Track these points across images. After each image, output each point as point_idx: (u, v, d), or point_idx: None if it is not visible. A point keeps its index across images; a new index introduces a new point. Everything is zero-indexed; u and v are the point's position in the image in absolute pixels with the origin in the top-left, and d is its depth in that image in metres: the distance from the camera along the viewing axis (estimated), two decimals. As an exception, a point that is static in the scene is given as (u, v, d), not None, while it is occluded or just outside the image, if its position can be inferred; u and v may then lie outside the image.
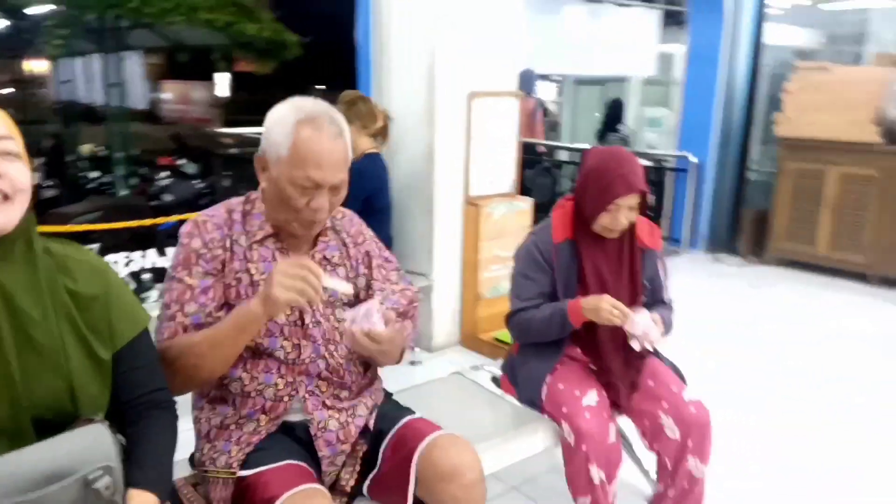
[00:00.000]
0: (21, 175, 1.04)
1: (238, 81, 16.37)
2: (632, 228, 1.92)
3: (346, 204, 1.53)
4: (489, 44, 3.24)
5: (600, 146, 2.28)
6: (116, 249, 3.19)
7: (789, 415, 2.93)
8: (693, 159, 5.44)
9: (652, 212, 6.17)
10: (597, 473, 1.77)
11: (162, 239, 3.31)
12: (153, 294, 3.24)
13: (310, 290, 1.24)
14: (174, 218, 3.50)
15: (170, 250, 3.36)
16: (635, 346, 1.84)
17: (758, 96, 5.43)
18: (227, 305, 1.41)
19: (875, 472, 2.52)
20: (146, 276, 3.23)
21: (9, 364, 1.03)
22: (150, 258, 3.26)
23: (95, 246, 3.19)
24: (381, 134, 2.94)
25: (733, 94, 5.45)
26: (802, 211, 5.02)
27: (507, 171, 3.42)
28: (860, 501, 2.35)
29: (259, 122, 1.46)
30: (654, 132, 11.28)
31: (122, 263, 3.18)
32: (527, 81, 6.11)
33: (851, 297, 4.55)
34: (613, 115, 7.47)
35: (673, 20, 11.00)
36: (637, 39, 9.89)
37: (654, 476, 2.11)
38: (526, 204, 3.43)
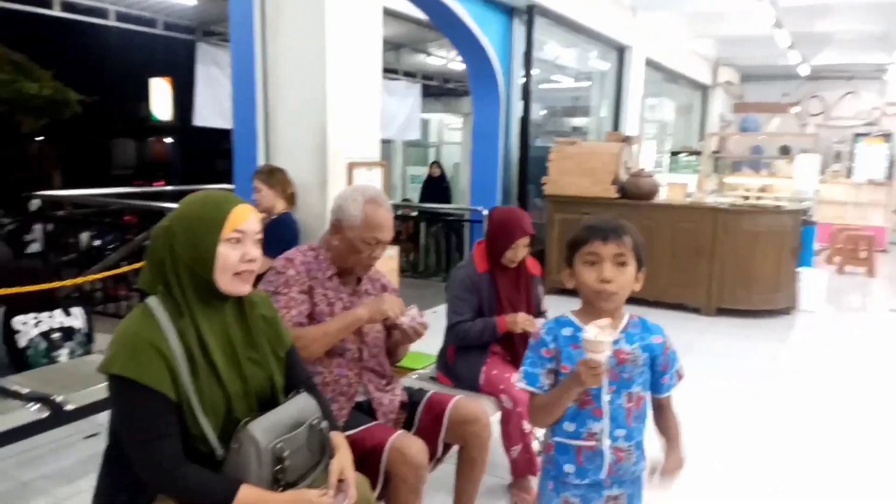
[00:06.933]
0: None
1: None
2: (524, 261, 2.86)
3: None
4: (360, 123, 4.04)
5: (500, 206, 3.23)
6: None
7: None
8: (484, 212, 6.71)
9: (458, 252, 7.36)
10: (526, 426, 2.63)
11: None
12: (63, 352, 3.39)
13: (398, 313, 2.02)
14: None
15: (74, 309, 3.52)
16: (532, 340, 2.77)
17: (529, 162, 6.88)
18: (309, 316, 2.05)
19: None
20: (56, 336, 3.36)
21: (242, 368, 1.58)
22: (57, 318, 3.40)
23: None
24: (292, 198, 3.56)
25: (509, 160, 6.86)
26: (568, 250, 6.51)
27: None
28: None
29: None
30: (417, 188, 12.76)
31: (31, 324, 3.28)
32: None
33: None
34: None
35: (430, 93, 12.71)
36: (401, 108, 11.34)
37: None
38: (393, 251, 4.24)
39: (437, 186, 10.85)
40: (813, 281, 6.39)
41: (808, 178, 9.86)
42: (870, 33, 10.86)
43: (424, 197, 10.84)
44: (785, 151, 11.82)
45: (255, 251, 1.55)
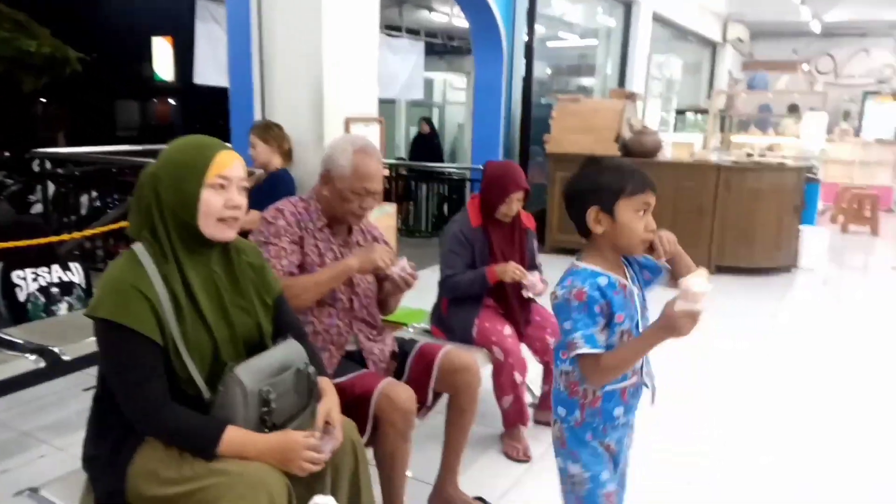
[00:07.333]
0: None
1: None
2: (518, 216, 2.86)
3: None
4: (357, 79, 4.00)
5: (494, 160, 3.20)
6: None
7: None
8: (487, 171, 6.68)
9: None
10: (518, 377, 2.66)
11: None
12: (62, 307, 3.43)
13: (388, 263, 2.02)
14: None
15: (73, 265, 3.55)
16: (525, 294, 2.78)
17: (533, 121, 6.82)
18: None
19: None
20: (55, 291, 3.40)
21: (228, 313, 1.60)
22: (55, 273, 3.43)
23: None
24: (289, 154, 3.55)
25: (512, 119, 6.80)
26: (570, 209, 6.49)
27: (374, 183, 4.20)
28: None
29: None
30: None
31: (30, 279, 3.32)
32: None
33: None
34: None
35: (434, 52, 12.51)
36: (404, 66, 11.13)
37: (535, 389, 3.08)
38: (391, 208, 4.24)
39: (427, 144, 10.68)
40: (814, 239, 6.36)
41: (814, 137, 9.74)
42: (884, -13, 10.61)
43: (414, 155, 10.66)
44: (793, 110, 11.64)
45: (240, 198, 1.54)
